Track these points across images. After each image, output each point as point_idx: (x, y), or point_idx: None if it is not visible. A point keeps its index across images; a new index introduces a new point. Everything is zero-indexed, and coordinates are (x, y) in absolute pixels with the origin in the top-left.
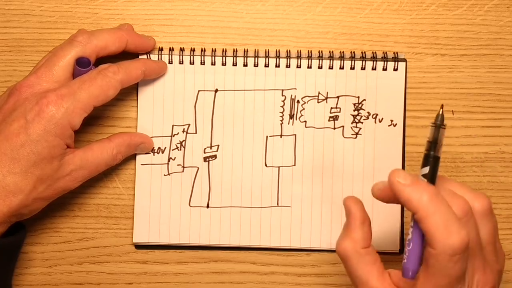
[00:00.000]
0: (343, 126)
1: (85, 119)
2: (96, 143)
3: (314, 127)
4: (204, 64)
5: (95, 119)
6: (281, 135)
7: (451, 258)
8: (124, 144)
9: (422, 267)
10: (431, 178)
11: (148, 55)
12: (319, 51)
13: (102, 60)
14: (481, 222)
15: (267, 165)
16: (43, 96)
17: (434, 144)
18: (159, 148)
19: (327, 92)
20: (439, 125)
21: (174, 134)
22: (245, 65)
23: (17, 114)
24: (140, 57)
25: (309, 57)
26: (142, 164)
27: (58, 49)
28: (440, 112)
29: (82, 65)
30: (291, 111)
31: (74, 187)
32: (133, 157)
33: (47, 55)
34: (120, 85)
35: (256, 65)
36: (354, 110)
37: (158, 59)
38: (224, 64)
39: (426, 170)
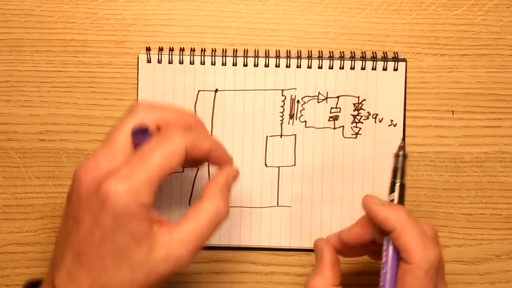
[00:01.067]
0: (343, 126)
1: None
2: (190, 208)
3: (314, 127)
4: (204, 64)
5: (95, 119)
6: (281, 135)
7: (427, 273)
8: (222, 191)
9: None
10: (400, 203)
11: (148, 55)
12: (319, 51)
13: None
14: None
15: (267, 165)
16: (102, 184)
17: (397, 172)
18: None
19: (327, 92)
20: (401, 154)
21: None
22: (245, 65)
23: (84, 209)
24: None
25: (309, 57)
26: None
27: (117, 122)
28: (402, 144)
29: (141, 135)
30: (291, 111)
31: (189, 263)
32: None
33: (108, 131)
34: (185, 153)
35: (256, 65)
36: (354, 110)
37: (158, 59)
38: (224, 64)
39: (393, 196)
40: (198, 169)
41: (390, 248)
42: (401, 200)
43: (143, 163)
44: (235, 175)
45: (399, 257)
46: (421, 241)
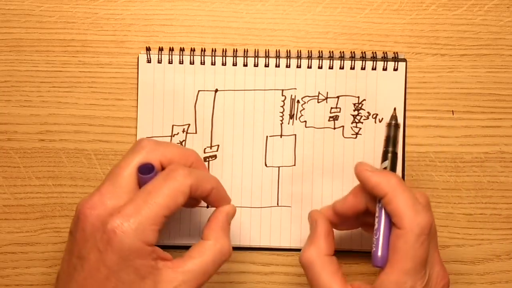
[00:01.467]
0: (343, 126)
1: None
2: (194, 246)
3: (314, 127)
4: (204, 64)
5: (95, 119)
6: (281, 135)
7: (418, 237)
8: (224, 229)
9: (389, 255)
10: (392, 170)
11: (148, 55)
12: (319, 51)
13: None
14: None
15: (267, 165)
16: (108, 221)
17: (390, 141)
18: None
19: (327, 92)
20: (393, 124)
21: (174, 134)
22: (245, 65)
23: (90, 245)
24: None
25: (309, 57)
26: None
27: (121, 159)
28: (394, 114)
29: (145, 172)
30: (291, 111)
31: None
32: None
33: (112, 168)
34: (190, 191)
35: (256, 65)
36: (354, 110)
37: (158, 59)
38: (224, 64)
39: (385, 164)
40: None
41: (383, 214)
42: (393, 168)
43: (148, 201)
44: (234, 212)
45: (391, 223)
46: (412, 205)
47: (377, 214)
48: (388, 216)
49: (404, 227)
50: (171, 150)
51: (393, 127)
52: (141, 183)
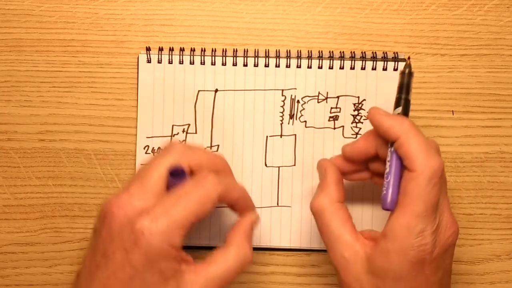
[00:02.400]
0: (343, 126)
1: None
2: (217, 251)
3: (314, 127)
4: (204, 64)
5: (95, 119)
6: (281, 135)
7: (430, 180)
8: (248, 237)
9: (400, 199)
10: (405, 114)
11: (148, 55)
12: (319, 51)
13: None
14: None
15: (267, 165)
16: (136, 222)
17: (403, 88)
18: (159, 148)
19: (327, 92)
20: (407, 71)
21: (174, 134)
22: (245, 65)
23: (116, 244)
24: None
25: (309, 57)
26: (142, 164)
27: (151, 160)
28: (409, 62)
29: (176, 175)
30: (291, 111)
31: None
32: (133, 157)
33: (141, 168)
34: (219, 200)
35: (256, 65)
36: (354, 110)
37: (158, 59)
38: (224, 64)
39: (399, 110)
40: None
41: (394, 157)
42: (406, 113)
43: (178, 205)
44: (258, 221)
45: (402, 167)
46: (425, 149)
47: (388, 159)
48: (400, 160)
49: (416, 169)
50: (201, 155)
51: (406, 74)
52: (170, 186)
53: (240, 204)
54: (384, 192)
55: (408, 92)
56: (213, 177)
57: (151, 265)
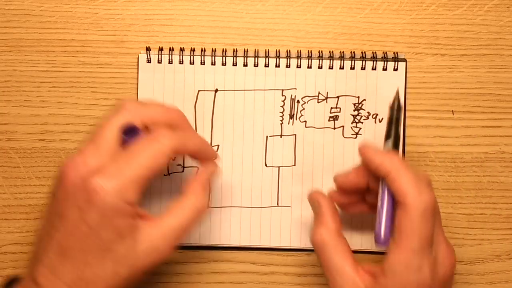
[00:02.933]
0: (343, 126)
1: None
2: (173, 202)
3: (314, 127)
4: (204, 64)
5: (95, 119)
6: (281, 135)
7: (423, 214)
8: (204, 187)
9: (395, 236)
10: (395, 147)
11: (148, 55)
12: (319, 51)
13: None
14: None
15: (267, 165)
16: (90, 181)
17: (393, 122)
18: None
19: (327, 92)
20: (396, 106)
21: None
22: (245, 65)
23: (71, 204)
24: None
25: (309, 57)
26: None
27: (103, 119)
28: (397, 96)
29: (129, 133)
30: (291, 111)
31: (167, 255)
32: None
33: (93, 128)
34: (173, 153)
35: (256, 65)
36: (354, 110)
37: (158, 59)
38: (224, 64)
39: (389, 143)
40: (198, 169)
41: (386, 193)
42: (396, 146)
43: (131, 162)
44: (216, 171)
45: (394, 202)
46: (415, 183)
47: (380, 194)
48: (391, 196)
49: (408, 204)
50: (155, 110)
51: (395, 109)
52: (123, 144)
53: (199, 156)
54: (377, 228)
55: (398, 125)
56: (166, 132)
57: (106, 222)
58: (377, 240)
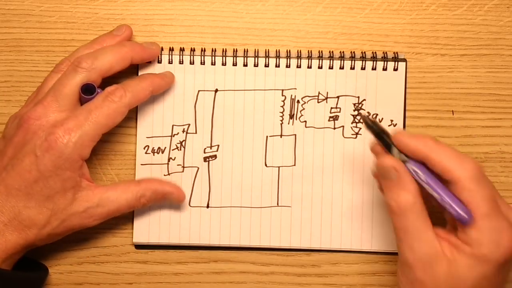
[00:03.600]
0: (343, 126)
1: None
2: (122, 182)
3: (314, 127)
4: (204, 64)
5: None
6: (281, 135)
7: (475, 179)
8: (151, 189)
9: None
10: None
11: None
12: (319, 51)
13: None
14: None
15: (267, 165)
16: (51, 132)
17: (382, 134)
18: (159, 148)
19: (327, 92)
20: (370, 122)
21: (174, 134)
22: (245, 65)
23: (27, 149)
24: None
25: (309, 57)
26: (142, 164)
27: (62, 77)
28: (364, 119)
29: (87, 92)
30: (291, 111)
31: (91, 225)
32: (133, 157)
33: (53, 84)
34: (128, 108)
35: (256, 65)
36: (354, 110)
37: (159, 59)
38: (224, 64)
39: (394, 151)
40: (198, 169)
41: (430, 178)
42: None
43: (90, 119)
44: (176, 197)
45: (444, 182)
46: (455, 157)
47: (424, 183)
48: (437, 178)
49: (457, 178)
50: (108, 60)
51: (372, 124)
52: (82, 102)
53: (154, 94)
54: (454, 212)
55: (387, 134)
56: (120, 90)
57: (57, 172)
58: (462, 221)
